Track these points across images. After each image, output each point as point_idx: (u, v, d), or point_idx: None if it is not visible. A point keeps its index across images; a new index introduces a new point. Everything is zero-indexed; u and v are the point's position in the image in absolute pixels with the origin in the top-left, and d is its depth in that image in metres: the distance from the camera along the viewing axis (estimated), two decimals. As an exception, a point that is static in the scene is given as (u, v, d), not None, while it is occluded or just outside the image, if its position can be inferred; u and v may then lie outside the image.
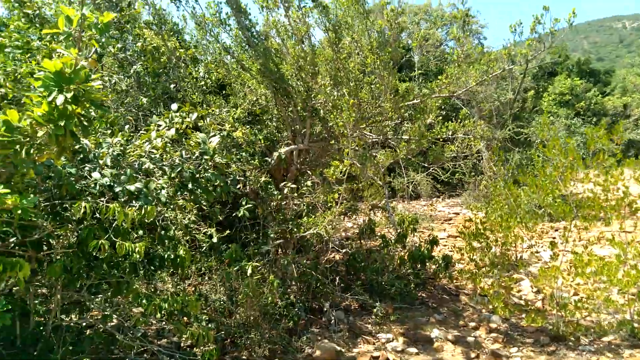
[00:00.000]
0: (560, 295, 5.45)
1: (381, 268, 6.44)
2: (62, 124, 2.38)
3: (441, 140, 7.10)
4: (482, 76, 6.51)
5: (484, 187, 12.07)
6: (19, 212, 2.35)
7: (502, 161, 8.43)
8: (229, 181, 3.86)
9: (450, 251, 8.71)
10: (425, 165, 8.30)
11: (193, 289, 5.08)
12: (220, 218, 4.96)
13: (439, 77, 6.66)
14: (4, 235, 2.85)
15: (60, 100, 2.29)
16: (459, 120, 6.92)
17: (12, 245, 2.88)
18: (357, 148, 5.84)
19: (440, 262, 6.79)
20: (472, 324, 5.77)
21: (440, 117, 7.29)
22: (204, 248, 4.70)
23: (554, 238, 9.38)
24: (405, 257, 6.72)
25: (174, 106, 3.76)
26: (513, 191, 7.00)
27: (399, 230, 7.02)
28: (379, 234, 7.51)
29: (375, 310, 5.55)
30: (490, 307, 5.65)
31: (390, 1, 5.99)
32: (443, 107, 7.41)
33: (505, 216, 6.37)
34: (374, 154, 7.03)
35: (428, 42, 19.35)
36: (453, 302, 6.55)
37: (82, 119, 2.49)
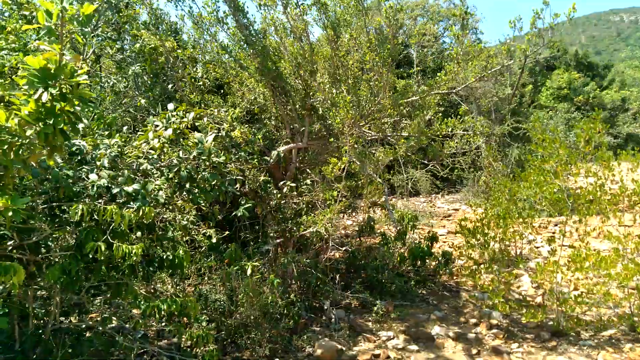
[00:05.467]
0: (560, 290, 5.45)
1: (381, 265, 6.43)
2: (51, 122, 2.32)
3: (440, 136, 7.09)
4: (481, 72, 6.50)
5: (483, 183, 12.07)
6: (10, 214, 2.32)
7: (499, 157, 8.42)
8: (226, 181, 3.85)
9: (450, 247, 8.72)
10: (425, 162, 8.28)
11: (193, 289, 5.07)
12: (220, 218, 4.95)
13: (439, 74, 6.64)
14: (1, 239, 2.84)
15: (45, 97, 2.23)
16: (458, 117, 6.91)
17: (10, 248, 2.87)
18: (355, 145, 5.82)
19: (440, 258, 6.79)
20: (473, 321, 5.77)
21: (440, 114, 7.27)
22: (203, 248, 4.69)
23: (553, 233, 9.38)
24: (405, 254, 6.71)
25: (171, 106, 3.73)
26: (511, 187, 7.00)
27: (398, 228, 7.01)
28: (378, 231, 7.50)
29: (375, 308, 5.54)
30: (490, 303, 5.65)
31: (389, -2, 5.96)
32: (441, 103, 7.40)
33: (503, 212, 6.37)
34: (373, 151, 7.02)
35: (425, 38, 19.30)
36: (453, 298, 6.55)
37: (72, 116, 2.44)
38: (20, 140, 2.29)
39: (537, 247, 8.36)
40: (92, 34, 5.01)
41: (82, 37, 2.43)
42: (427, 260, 6.78)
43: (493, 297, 5.40)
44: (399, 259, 6.71)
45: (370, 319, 5.67)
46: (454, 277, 7.10)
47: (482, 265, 6.21)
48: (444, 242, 9.42)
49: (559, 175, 5.55)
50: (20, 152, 2.30)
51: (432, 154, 7.41)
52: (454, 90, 7.00)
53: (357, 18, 6.48)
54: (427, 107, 6.87)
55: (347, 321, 5.54)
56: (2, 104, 2.65)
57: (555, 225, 9.89)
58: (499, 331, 5.43)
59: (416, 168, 12.44)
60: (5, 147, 2.24)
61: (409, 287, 6.31)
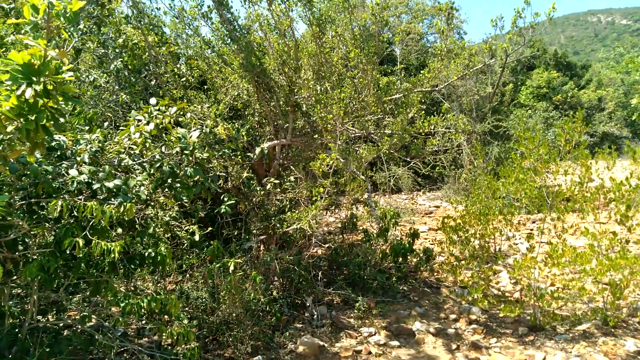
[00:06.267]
0: (537, 285, 5.57)
1: (363, 262, 6.48)
2: (33, 118, 2.28)
3: (423, 134, 7.15)
4: (463, 70, 6.57)
5: (463, 181, 12.24)
6: (-11, 211, 2.26)
7: (482, 155, 8.55)
8: (209, 177, 3.82)
9: (431, 244, 8.83)
10: (407, 159, 8.36)
11: (174, 286, 5.02)
12: (202, 214, 4.91)
13: (422, 72, 6.69)
14: (-23, 236, 2.76)
15: (29, 93, 2.19)
16: (441, 115, 6.98)
17: (-14, 246, 2.79)
18: (339, 142, 5.84)
19: (421, 255, 6.87)
20: (453, 316, 5.86)
21: (422, 112, 7.33)
22: (185, 245, 4.65)
23: (532, 230, 9.58)
24: (387, 251, 6.78)
25: (153, 100, 3.68)
26: (492, 184, 7.12)
27: (380, 224, 7.06)
28: (361, 228, 7.55)
29: (357, 304, 5.58)
30: (470, 298, 5.75)
31: (374, -5, 5.98)
32: (424, 101, 7.49)
33: (484, 209, 6.47)
34: (357, 148, 7.04)
35: (409, 36, 19.41)
36: (434, 294, 6.64)
37: (54, 112, 2.40)
38: (0, 137, 2.23)
39: (516, 244, 8.53)
40: (74, 29, 4.89)
41: (68, 33, 2.37)
42: (409, 257, 6.85)
43: (473, 292, 5.49)
44: (380, 255, 6.76)
45: (352, 315, 5.72)
46: (435, 274, 7.20)
47: (462, 262, 6.31)
48: (425, 238, 9.53)
49: (540, 172, 5.67)
50: (0, 148, 2.24)
51: (415, 152, 7.47)
52: (437, 88, 7.07)
53: (342, 15, 6.49)
54: (410, 105, 6.92)
55: (330, 318, 5.57)
56: None
57: (534, 222, 10.10)
58: (478, 326, 5.53)
59: (398, 165, 12.54)
60: (-16, 143, 2.18)
61: (390, 283, 6.38)
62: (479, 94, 17.50)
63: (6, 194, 2.74)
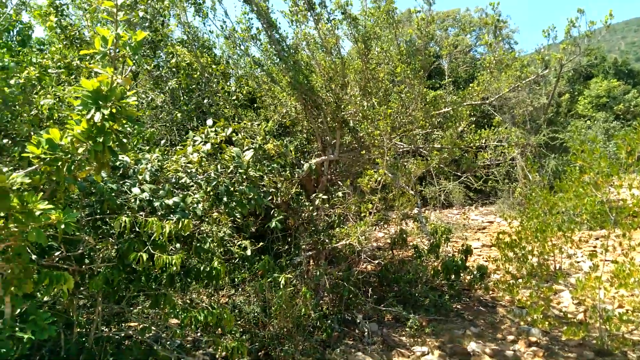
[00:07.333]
0: (603, 307, 5.22)
1: (414, 279, 6.34)
2: (101, 140, 2.45)
3: (474, 147, 6.97)
4: (515, 82, 6.38)
5: (518, 195, 11.76)
6: (62, 226, 2.43)
7: (536, 169, 8.20)
8: (262, 193, 3.91)
9: (485, 261, 8.51)
10: (458, 173, 8.17)
11: (227, 300, 5.14)
12: (253, 229, 5.02)
13: (471, 85, 6.56)
14: (50, 250, 2.97)
15: (98, 117, 2.36)
16: (492, 127, 6.79)
17: (57, 259, 3.00)
18: (387, 157, 5.81)
19: (475, 272, 6.64)
20: (511, 337, 5.60)
21: (472, 124, 7.16)
22: (237, 260, 4.76)
23: (595, 247, 9.02)
24: (439, 268, 6.60)
25: (209, 122, 3.84)
26: (549, 199, 6.78)
27: (431, 240, 6.90)
28: (411, 244, 7.41)
29: (409, 322, 5.46)
30: (529, 319, 5.46)
31: (421, 9, 5.96)
32: (473, 114, 7.29)
33: (541, 225, 6.16)
34: (405, 163, 6.97)
35: (457, 49, 19.12)
36: (490, 314, 6.37)
37: (120, 134, 2.57)
38: (72, 158, 2.42)
39: (578, 262, 8.06)
40: (138, 57, 5.28)
41: (132, 60, 2.56)
42: (462, 274, 6.63)
43: (532, 312, 5.22)
44: (432, 272, 6.59)
45: (403, 333, 5.59)
46: (490, 292, 6.92)
47: (519, 280, 6.02)
48: (479, 255, 9.20)
49: (600, 187, 5.35)
50: (72, 168, 2.42)
51: (465, 166, 7.28)
52: (487, 101, 6.89)
53: (387, 30, 6.51)
54: (459, 118, 6.79)
55: (381, 335, 5.48)
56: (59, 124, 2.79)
57: (597, 239, 9.51)
58: (539, 349, 5.24)
59: (449, 180, 12.27)
60: (59, 163, 2.36)
61: (443, 301, 6.19)
62: (532, 105, 16.87)
63: (75, 211, 2.93)
